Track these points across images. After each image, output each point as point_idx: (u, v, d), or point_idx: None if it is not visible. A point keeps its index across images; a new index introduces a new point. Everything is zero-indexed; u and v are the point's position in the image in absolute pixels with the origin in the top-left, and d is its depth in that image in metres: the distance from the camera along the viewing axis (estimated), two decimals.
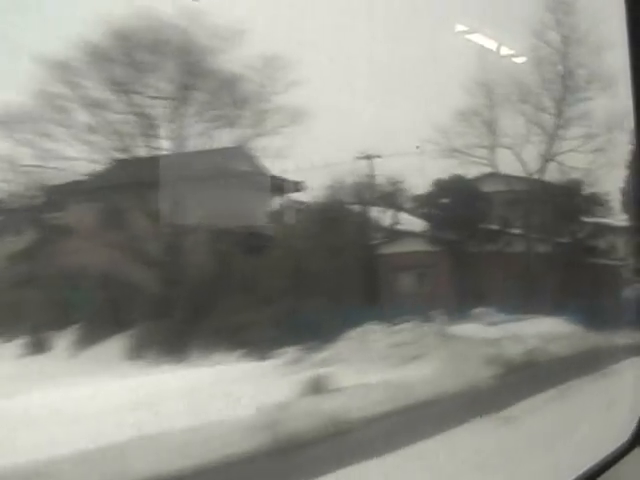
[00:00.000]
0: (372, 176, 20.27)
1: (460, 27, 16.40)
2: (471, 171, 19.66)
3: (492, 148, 19.58)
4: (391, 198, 20.86)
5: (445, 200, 19.91)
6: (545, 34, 18.90)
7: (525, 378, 12.42)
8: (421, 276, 20.24)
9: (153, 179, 15.72)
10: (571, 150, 19.34)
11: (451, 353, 12.97)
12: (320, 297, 16.37)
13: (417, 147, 18.94)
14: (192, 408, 9.98)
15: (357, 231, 20.36)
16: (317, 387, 10.85)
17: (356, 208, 20.50)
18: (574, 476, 4.37)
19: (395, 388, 10.89)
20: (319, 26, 16.53)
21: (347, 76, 16.66)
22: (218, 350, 15.32)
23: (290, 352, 13.66)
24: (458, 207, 19.83)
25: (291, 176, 19.32)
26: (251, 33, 15.45)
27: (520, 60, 18.25)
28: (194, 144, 18.01)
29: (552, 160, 19.66)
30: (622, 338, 13.72)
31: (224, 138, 18.50)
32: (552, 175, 19.87)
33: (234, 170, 18.89)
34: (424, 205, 20.30)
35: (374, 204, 20.61)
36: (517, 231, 19.98)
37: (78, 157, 17.46)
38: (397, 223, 20.78)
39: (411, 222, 20.74)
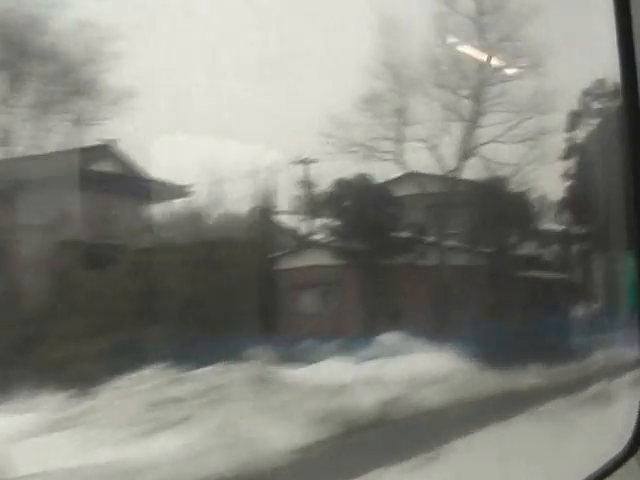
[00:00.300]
0: (269, 177, 17.26)
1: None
2: (377, 169, 16.43)
3: (401, 141, 16.36)
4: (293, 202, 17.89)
5: (348, 204, 16.80)
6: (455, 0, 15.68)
7: (373, 441, 9.03)
8: (324, 294, 17.24)
9: None
10: (493, 140, 16.16)
11: (256, 410, 9.54)
12: (173, 324, 13.19)
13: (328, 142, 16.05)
14: None
15: (249, 243, 17.27)
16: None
17: (249, 215, 17.53)
18: None
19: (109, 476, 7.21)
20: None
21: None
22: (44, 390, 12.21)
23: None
24: (365, 212, 16.81)
25: (176, 179, 16.47)
26: None
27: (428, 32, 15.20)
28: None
29: (474, 154, 16.50)
30: (537, 377, 10.73)
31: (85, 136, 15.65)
32: (475, 173, 16.72)
33: (91, 172, 16.01)
34: (324, 211, 17.13)
35: (271, 210, 17.67)
36: (433, 240, 16.77)
37: None
38: (296, 232, 17.75)
39: (311, 231, 17.68)
